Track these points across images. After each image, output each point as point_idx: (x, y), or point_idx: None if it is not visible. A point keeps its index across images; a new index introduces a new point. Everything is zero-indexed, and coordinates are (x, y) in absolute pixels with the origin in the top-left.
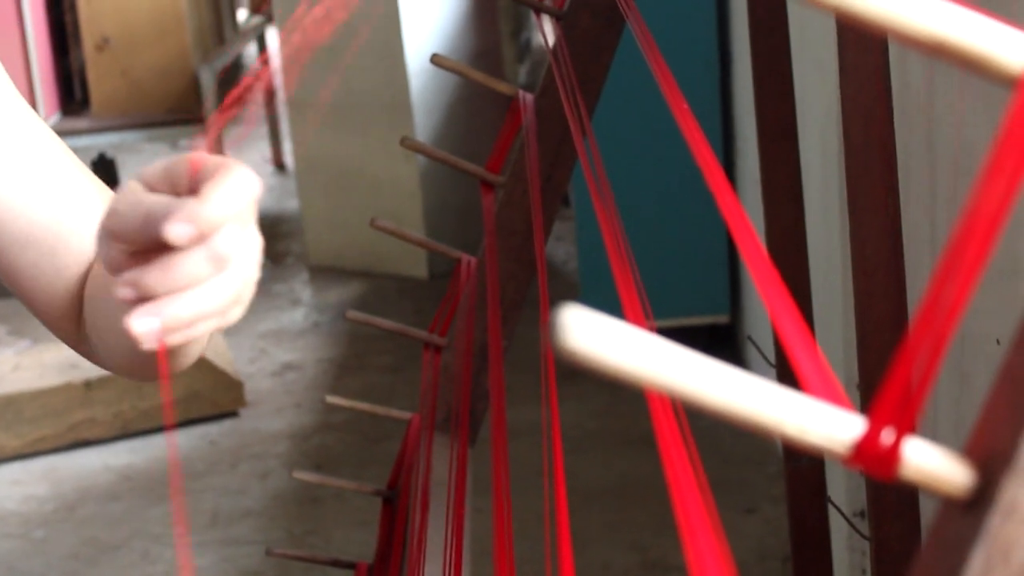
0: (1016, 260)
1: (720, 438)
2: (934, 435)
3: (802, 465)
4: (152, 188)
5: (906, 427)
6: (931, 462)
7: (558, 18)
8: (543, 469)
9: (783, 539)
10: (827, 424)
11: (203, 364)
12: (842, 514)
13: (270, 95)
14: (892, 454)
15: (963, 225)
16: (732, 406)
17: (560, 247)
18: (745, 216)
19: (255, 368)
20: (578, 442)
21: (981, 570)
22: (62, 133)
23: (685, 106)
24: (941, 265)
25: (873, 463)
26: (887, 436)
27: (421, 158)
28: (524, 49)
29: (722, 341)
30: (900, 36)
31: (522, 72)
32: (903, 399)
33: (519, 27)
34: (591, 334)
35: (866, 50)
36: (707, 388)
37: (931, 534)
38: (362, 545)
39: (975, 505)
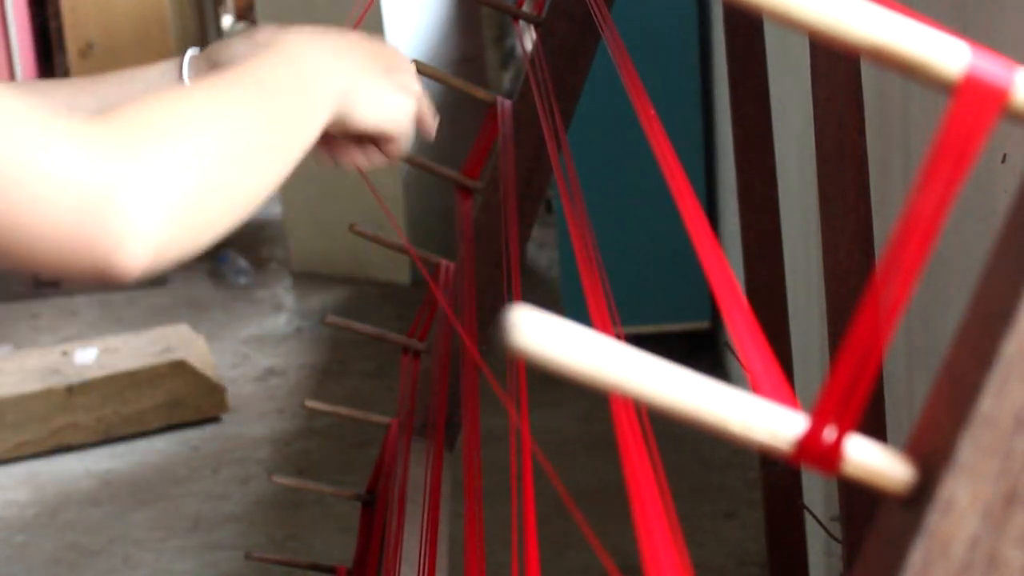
0: None
1: (700, 443)
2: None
3: (778, 470)
4: None
5: (848, 425)
6: (873, 459)
7: (537, 24)
8: (522, 474)
9: (762, 544)
10: (771, 421)
11: (186, 370)
12: (816, 519)
13: None
14: (834, 451)
15: (900, 230)
16: (677, 403)
17: (543, 253)
18: (703, 217)
19: (238, 373)
20: (558, 447)
21: (921, 565)
22: None
23: (652, 112)
24: (879, 269)
25: (815, 459)
26: (829, 433)
27: (403, 164)
28: (508, 55)
29: (702, 347)
30: (840, 42)
31: (506, 78)
32: (845, 397)
33: (503, 33)
34: (539, 333)
35: (837, 56)
36: (652, 385)
37: (873, 531)
38: (342, 549)
39: (915, 501)
